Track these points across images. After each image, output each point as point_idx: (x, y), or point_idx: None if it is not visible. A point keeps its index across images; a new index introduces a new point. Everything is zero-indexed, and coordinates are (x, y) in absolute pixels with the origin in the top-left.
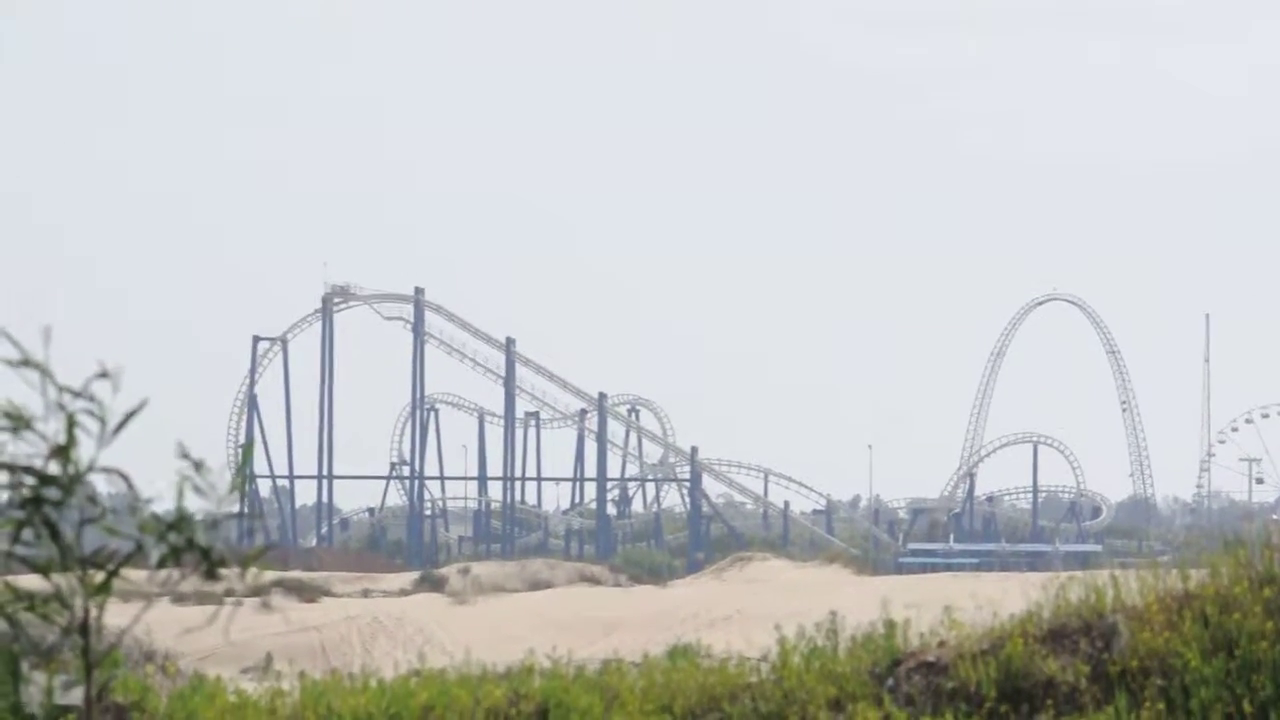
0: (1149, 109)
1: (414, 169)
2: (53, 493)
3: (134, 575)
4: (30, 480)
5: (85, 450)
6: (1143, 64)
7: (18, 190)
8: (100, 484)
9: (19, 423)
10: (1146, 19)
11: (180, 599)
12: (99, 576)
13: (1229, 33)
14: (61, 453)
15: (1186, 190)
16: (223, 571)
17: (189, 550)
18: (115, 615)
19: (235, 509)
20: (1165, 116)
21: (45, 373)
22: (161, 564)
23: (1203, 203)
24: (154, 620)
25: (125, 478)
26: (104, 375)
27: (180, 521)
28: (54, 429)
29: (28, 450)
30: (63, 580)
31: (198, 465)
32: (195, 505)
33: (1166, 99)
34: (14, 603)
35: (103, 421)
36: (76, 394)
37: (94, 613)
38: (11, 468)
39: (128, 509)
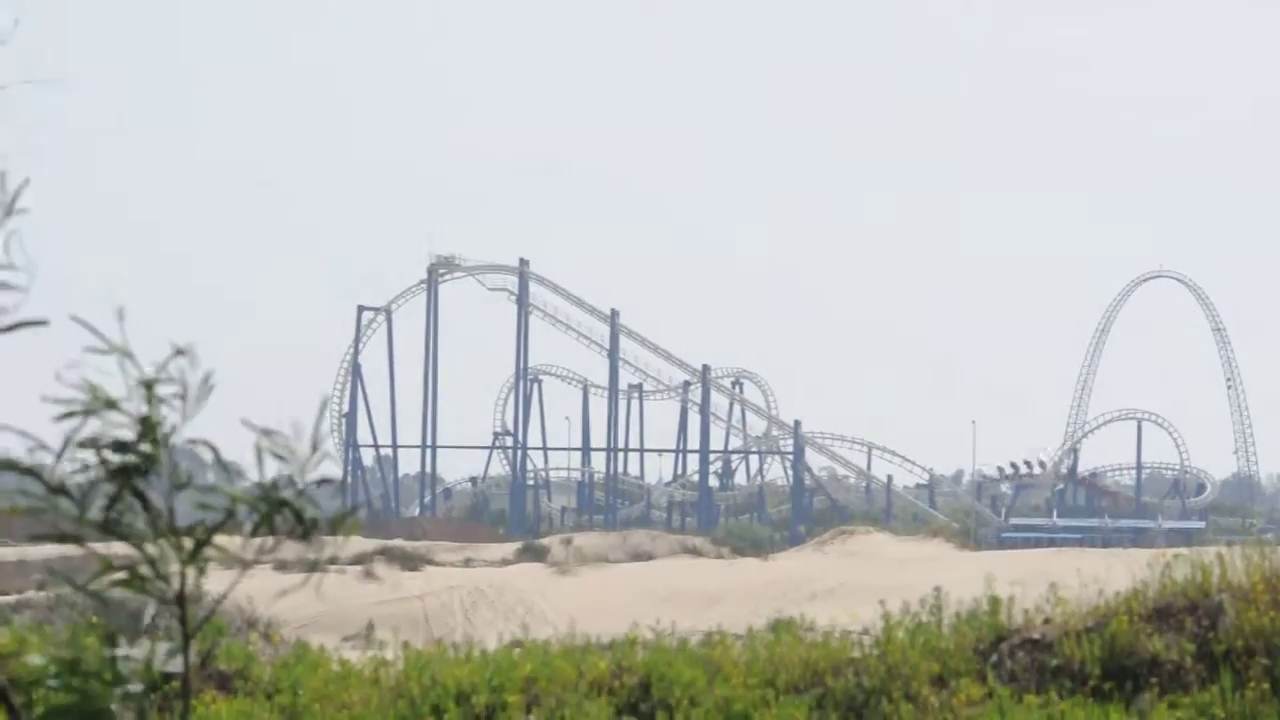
0: (1258, 85)
1: (520, 141)
2: (136, 459)
3: (231, 543)
4: (115, 455)
5: (175, 428)
6: (1255, 42)
7: (119, 171)
8: (197, 459)
9: (102, 403)
10: None
11: (282, 566)
12: (190, 545)
13: None
14: (145, 423)
15: None
16: (320, 537)
17: (280, 514)
18: (216, 582)
19: (322, 475)
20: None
21: (126, 354)
22: (255, 531)
23: None
24: (255, 588)
25: (213, 448)
26: (181, 353)
27: (269, 488)
28: (138, 409)
29: (115, 429)
30: (156, 550)
31: (268, 433)
32: (279, 471)
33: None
34: (109, 573)
35: (183, 397)
36: (154, 380)
37: (190, 582)
38: (95, 445)
39: (220, 478)
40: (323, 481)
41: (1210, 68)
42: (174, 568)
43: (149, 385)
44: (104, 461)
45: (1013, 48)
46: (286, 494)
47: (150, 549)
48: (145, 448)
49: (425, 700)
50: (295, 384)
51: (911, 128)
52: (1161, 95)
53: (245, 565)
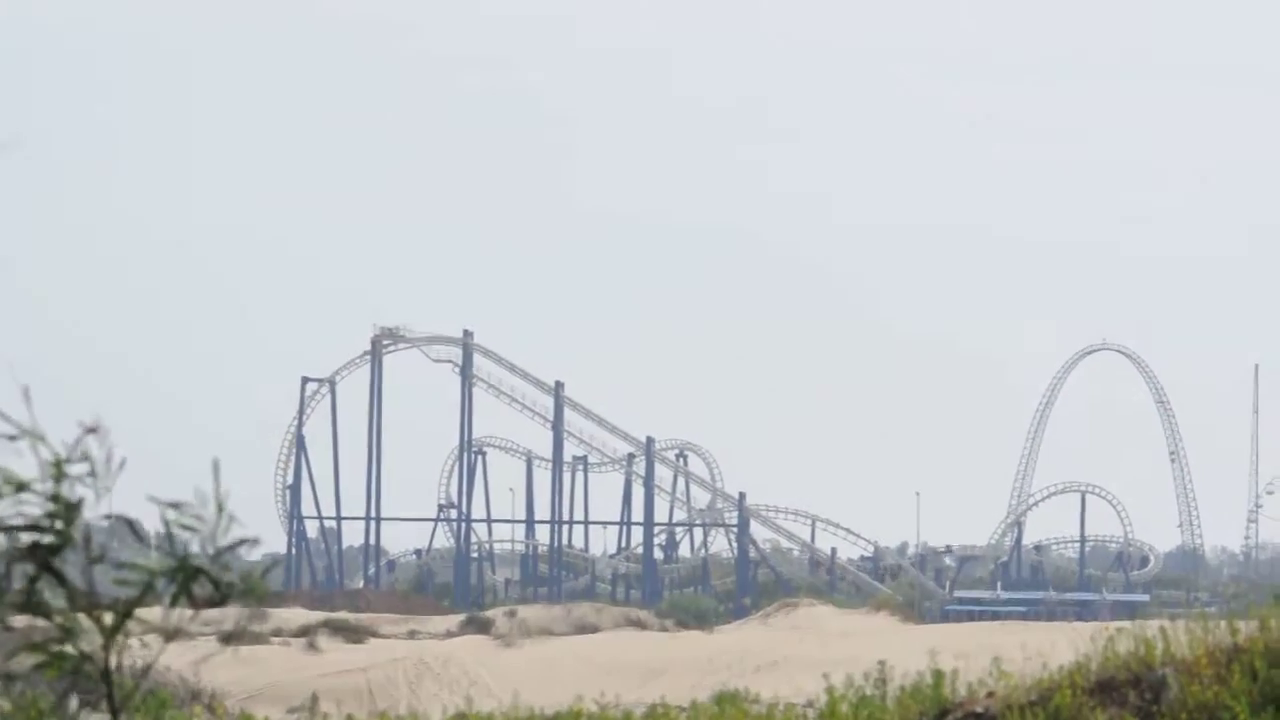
0: (1198, 156)
1: (463, 210)
2: (48, 538)
3: (155, 614)
4: (26, 536)
5: (89, 505)
6: (1198, 112)
7: (49, 242)
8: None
9: (13, 487)
10: (1212, 66)
11: (228, 638)
12: (110, 619)
13: None
14: (55, 502)
15: (1235, 239)
16: (260, 608)
17: (196, 582)
18: (162, 656)
19: (238, 542)
20: (1216, 163)
21: (37, 437)
22: (174, 601)
23: (1252, 251)
24: (200, 658)
25: (130, 522)
26: (91, 431)
27: (184, 559)
28: (50, 489)
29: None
30: (75, 626)
31: (175, 505)
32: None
33: (1219, 145)
34: (33, 651)
35: (94, 475)
36: (63, 460)
37: (115, 657)
38: (6, 526)
39: (141, 552)
40: (240, 543)
41: (1154, 138)
42: (97, 643)
43: (58, 465)
44: (16, 542)
45: (955, 114)
46: (200, 562)
47: (69, 626)
48: (58, 526)
49: None
50: (238, 456)
51: (850, 195)
52: (1103, 165)
53: (168, 636)
